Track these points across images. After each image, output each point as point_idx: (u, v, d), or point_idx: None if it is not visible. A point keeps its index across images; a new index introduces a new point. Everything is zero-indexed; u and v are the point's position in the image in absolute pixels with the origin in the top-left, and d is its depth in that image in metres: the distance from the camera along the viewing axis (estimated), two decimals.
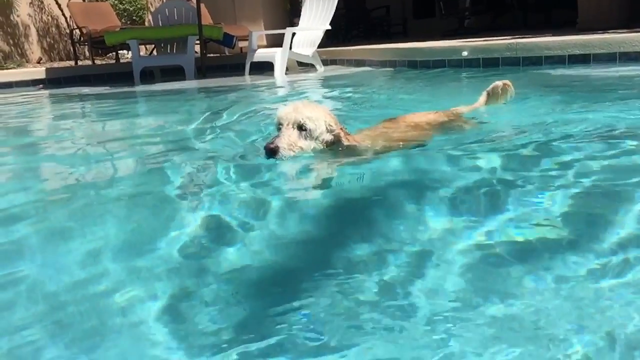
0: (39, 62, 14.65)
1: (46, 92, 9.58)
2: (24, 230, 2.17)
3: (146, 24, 15.62)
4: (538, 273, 1.53)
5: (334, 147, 2.79)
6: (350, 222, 2.10)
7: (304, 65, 10.35)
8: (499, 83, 3.62)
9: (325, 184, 2.54)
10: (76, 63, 12.98)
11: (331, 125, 2.73)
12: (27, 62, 14.47)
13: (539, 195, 2.11)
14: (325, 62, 10.32)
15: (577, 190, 2.15)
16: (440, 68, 7.87)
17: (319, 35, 10.00)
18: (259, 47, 10.38)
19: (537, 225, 1.86)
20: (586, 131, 3.10)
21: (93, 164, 3.45)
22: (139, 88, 9.04)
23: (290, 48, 9.72)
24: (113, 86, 9.44)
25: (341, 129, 2.78)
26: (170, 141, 4.02)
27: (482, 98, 3.69)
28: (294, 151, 2.63)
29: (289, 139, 2.63)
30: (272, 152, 2.60)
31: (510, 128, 3.41)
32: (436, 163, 2.72)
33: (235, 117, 4.87)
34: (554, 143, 2.86)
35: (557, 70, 6.46)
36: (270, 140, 2.67)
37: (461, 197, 2.20)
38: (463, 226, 1.90)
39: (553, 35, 7.70)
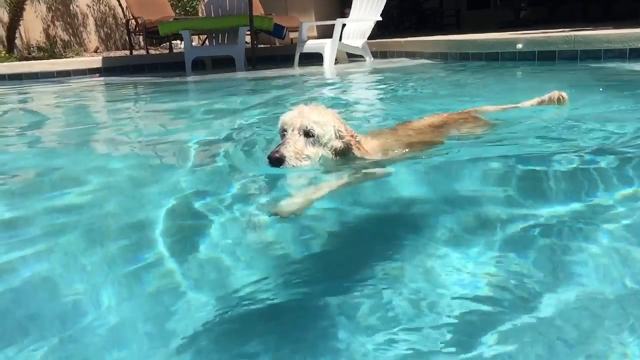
0: (96, 51, 15.07)
1: (102, 79, 9.86)
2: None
3: (199, 14, 15.84)
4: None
5: (345, 157, 2.52)
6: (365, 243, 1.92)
7: (353, 57, 10.29)
8: (556, 94, 3.44)
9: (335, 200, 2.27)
10: (131, 52, 13.29)
11: (341, 131, 2.46)
12: (85, 51, 14.92)
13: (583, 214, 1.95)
14: (375, 54, 10.23)
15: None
16: (493, 61, 7.68)
17: (370, 26, 9.91)
18: (310, 38, 10.37)
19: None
20: None
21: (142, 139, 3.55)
22: (190, 78, 9.18)
23: (340, 39, 9.68)
24: (165, 76, 9.62)
25: (352, 135, 2.51)
26: (207, 128, 4.12)
27: (532, 101, 3.53)
28: (300, 160, 2.36)
29: (294, 147, 2.36)
30: (277, 161, 2.33)
31: (555, 129, 3.17)
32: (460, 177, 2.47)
33: (276, 109, 4.88)
34: (605, 149, 2.63)
35: (617, 64, 6.20)
36: (275, 148, 2.39)
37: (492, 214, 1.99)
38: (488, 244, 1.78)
39: (614, 27, 7.38)
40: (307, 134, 2.40)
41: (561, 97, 3.44)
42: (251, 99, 6.08)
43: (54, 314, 1.50)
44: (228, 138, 3.64)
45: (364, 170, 2.52)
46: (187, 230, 2.07)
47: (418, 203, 2.23)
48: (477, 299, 1.41)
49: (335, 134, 2.45)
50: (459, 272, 1.56)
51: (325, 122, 2.43)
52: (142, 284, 1.63)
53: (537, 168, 2.44)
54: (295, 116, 2.43)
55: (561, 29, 8.10)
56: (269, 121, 4.19)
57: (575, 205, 1.98)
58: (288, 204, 2.12)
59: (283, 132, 2.45)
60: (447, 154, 2.70)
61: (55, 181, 2.91)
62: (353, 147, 2.47)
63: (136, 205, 2.40)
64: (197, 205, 2.26)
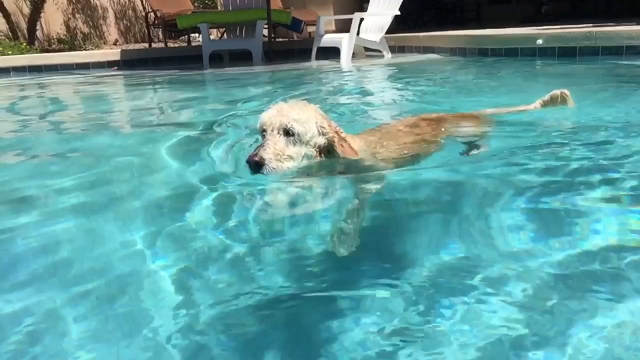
0: (115, 44, 15.18)
1: (120, 73, 9.92)
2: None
3: (218, 8, 15.86)
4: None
5: (331, 156, 2.35)
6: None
7: (371, 51, 10.22)
8: (557, 92, 3.22)
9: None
10: (150, 45, 13.36)
11: (324, 127, 2.29)
12: (104, 43, 15.04)
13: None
14: (392, 49, 10.15)
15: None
16: (512, 57, 7.57)
17: (388, 20, 9.82)
18: (328, 32, 10.32)
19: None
20: None
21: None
22: (207, 71, 9.20)
23: (358, 34, 9.62)
24: (183, 69, 9.65)
25: (336, 132, 2.34)
26: (219, 118, 4.13)
27: (535, 104, 3.31)
28: (282, 161, 2.20)
29: (274, 148, 2.19)
30: (256, 165, 2.16)
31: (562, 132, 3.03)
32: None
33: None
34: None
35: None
36: (254, 151, 2.22)
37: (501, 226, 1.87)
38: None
39: (636, 24, 7.21)
40: (288, 132, 2.24)
41: (564, 95, 3.21)
42: (266, 93, 6.06)
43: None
44: (240, 130, 3.63)
45: (366, 184, 2.33)
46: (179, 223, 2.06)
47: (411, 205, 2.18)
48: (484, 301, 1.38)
49: (318, 130, 2.28)
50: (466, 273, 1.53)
51: (307, 119, 2.26)
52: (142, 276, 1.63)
53: (543, 173, 2.37)
54: (274, 115, 2.26)
55: (582, 25, 7.94)
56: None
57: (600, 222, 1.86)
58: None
59: (263, 132, 2.29)
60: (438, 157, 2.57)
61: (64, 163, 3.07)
62: (336, 144, 2.30)
63: (143, 190, 2.46)
64: (200, 199, 2.26)
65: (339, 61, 9.28)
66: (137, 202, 2.32)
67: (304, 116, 2.26)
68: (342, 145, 2.32)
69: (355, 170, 2.38)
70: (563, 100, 3.21)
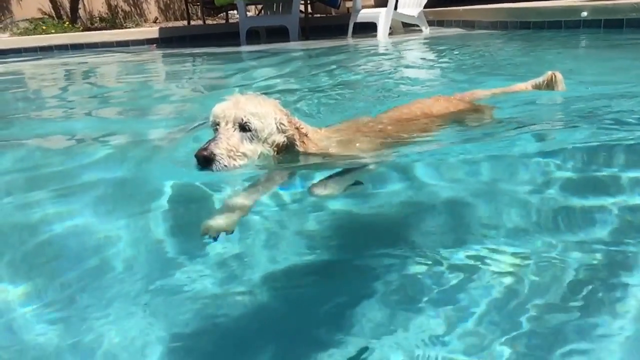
0: (155, 22, 15.34)
1: (159, 51, 10.04)
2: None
3: None
4: None
5: (290, 154, 2.15)
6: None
7: (408, 26, 10.02)
8: (550, 74, 3.01)
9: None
10: (189, 23, 13.44)
11: (283, 124, 2.08)
12: (145, 21, 15.20)
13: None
14: (431, 23, 9.93)
15: None
16: (555, 29, 7.31)
17: None
18: (365, 7, 10.15)
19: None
20: None
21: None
22: (244, 48, 9.20)
23: (396, 8, 9.43)
24: (220, 46, 9.68)
25: (297, 128, 2.13)
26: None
27: (526, 84, 3.12)
28: (235, 159, 1.97)
29: (227, 143, 1.97)
30: (205, 160, 1.93)
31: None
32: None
33: (321, 80, 4.82)
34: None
35: None
36: (204, 145, 1.98)
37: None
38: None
39: None
40: (243, 127, 2.01)
41: (553, 77, 3.00)
42: (299, 71, 6.03)
43: None
44: None
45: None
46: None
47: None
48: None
49: (277, 127, 2.07)
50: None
51: (265, 113, 2.04)
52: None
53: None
54: (229, 107, 2.03)
55: None
56: (314, 92, 4.15)
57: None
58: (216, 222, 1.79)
59: (215, 126, 2.05)
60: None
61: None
62: (297, 141, 2.10)
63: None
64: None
65: (376, 37, 9.14)
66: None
67: (262, 111, 2.05)
68: (303, 142, 2.13)
69: (317, 162, 2.20)
70: (551, 82, 3.02)
